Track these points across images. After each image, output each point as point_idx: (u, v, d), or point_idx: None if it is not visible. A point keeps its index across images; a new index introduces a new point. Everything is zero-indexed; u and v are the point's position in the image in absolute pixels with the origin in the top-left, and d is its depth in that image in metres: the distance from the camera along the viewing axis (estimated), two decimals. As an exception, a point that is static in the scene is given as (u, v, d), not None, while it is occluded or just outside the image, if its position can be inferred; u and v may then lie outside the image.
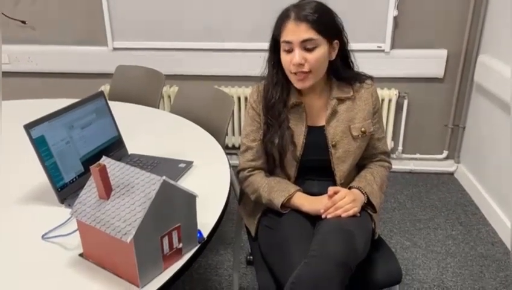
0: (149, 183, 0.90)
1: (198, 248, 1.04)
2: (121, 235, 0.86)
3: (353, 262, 1.17)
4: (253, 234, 1.47)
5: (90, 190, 0.95)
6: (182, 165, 1.40)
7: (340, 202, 1.28)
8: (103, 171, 0.89)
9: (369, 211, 1.36)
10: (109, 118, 1.43)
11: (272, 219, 1.39)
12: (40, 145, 1.17)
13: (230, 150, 2.90)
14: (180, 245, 0.98)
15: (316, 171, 1.41)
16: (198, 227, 1.04)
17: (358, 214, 1.30)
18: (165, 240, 0.94)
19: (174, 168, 1.38)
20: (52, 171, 1.20)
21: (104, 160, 0.98)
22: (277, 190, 1.36)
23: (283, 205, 1.35)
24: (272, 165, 1.43)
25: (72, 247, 1.03)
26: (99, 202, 0.92)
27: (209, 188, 1.29)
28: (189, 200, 0.98)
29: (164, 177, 0.89)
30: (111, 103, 1.45)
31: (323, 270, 1.11)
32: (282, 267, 1.24)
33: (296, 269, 1.15)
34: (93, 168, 0.89)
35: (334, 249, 1.15)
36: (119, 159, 1.42)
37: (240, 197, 1.61)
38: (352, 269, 1.16)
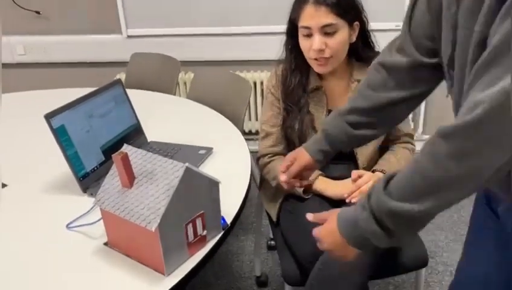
0: (172, 171, 0.89)
1: (222, 235, 1.03)
2: (146, 224, 0.85)
3: None
4: (274, 219, 1.45)
5: (113, 179, 0.94)
6: (202, 151, 1.39)
7: (364, 186, 1.25)
8: (125, 159, 0.88)
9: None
10: (128, 106, 1.42)
11: (294, 204, 1.38)
12: (61, 135, 1.17)
13: (248, 136, 2.88)
14: (205, 232, 0.97)
15: (337, 155, 1.38)
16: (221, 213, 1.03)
17: None
18: (190, 228, 0.93)
19: (194, 154, 1.37)
20: (74, 161, 1.19)
21: (126, 148, 0.97)
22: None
23: (305, 190, 1.33)
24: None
25: (96, 236, 1.03)
26: (122, 191, 0.92)
27: (230, 174, 1.27)
28: (212, 186, 0.97)
29: (187, 164, 0.88)
30: (128, 91, 1.43)
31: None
32: (306, 252, 1.23)
33: (321, 254, 1.13)
34: (116, 156, 0.88)
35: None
36: (139, 147, 1.42)
37: (260, 183, 1.59)
38: (378, 254, 1.14)
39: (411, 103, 0.99)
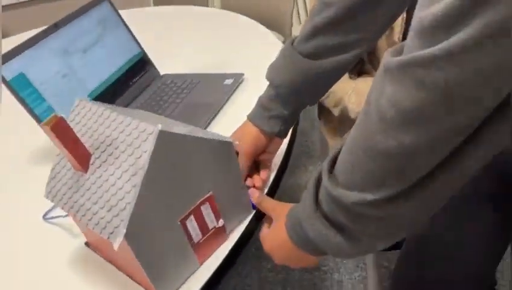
0: (139, 141, 0.51)
1: (257, 216, 0.67)
2: (108, 235, 0.51)
3: None
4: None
5: (63, 158, 0.60)
6: (229, 81, 0.99)
7: None
8: (61, 129, 0.52)
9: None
10: (123, 31, 1.04)
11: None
12: (21, 87, 0.83)
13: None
14: (221, 222, 0.61)
15: None
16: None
17: None
18: (191, 223, 0.57)
19: (217, 87, 0.98)
20: (49, 121, 0.86)
21: (78, 104, 0.61)
22: None
23: None
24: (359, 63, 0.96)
25: (77, 231, 0.71)
26: (76, 177, 0.57)
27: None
28: (219, 151, 0.58)
29: (160, 127, 0.50)
30: (132, 11, 1.04)
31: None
32: None
33: None
34: (44, 126, 0.52)
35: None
36: (148, 85, 1.05)
37: (319, 109, 1.18)
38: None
39: None
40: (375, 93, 0.40)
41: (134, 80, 1.03)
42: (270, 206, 0.64)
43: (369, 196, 0.43)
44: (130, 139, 0.52)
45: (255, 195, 0.65)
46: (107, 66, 0.98)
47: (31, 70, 0.85)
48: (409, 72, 0.35)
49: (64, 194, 0.58)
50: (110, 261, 0.64)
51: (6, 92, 0.82)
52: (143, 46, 1.07)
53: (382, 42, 0.94)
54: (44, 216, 0.77)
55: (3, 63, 0.80)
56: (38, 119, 0.84)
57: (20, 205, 0.83)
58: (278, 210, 0.62)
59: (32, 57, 0.85)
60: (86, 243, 0.69)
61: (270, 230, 0.63)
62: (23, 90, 0.83)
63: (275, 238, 0.61)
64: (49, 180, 0.60)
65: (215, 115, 0.91)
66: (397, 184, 0.42)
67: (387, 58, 0.38)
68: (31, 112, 0.84)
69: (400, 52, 0.38)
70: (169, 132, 0.51)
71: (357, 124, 0.43)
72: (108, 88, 0.98)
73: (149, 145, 0.50)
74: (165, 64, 1.11)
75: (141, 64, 1.06)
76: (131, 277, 0.61)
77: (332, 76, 0.68)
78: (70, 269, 0.66)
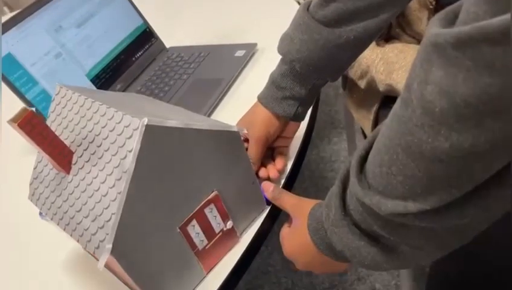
0: (122, 137, 0.42)
1: (273, 211, 0.58)
2: (93, 249, 0.43)
3: None
4: (368, 134, 0.95)
5: (43, 157, 0.52)
6: (240, 52, 0.88)
7: None
8: (32, 126, 0.43)
9: None
10: (123, 0, 0.94)
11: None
12: (10, 70, 0.75)
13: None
14: (229, 224, 0.53)
15: None
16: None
17: None
18: (193, 229, 0.49)
19: (227, 60, 0.88)
20: (43, 106, 0.78)
21: (60, 89, 0.52)
22: (402, 66, 0.79)
23: None
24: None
25: (74, 230, 0.64)
26: (59, 178, 0.49)
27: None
28: (224, 143, 0.49)
29: (145, 121, 0.41)
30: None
31: None
32: None
33: None
34: (11, 123, 0.43)
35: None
36: (152, 60, 0.96)
37: (342, 80, 1.06)
38: None
39: None
40: (417, 77, 0.29)
41: (137, 55, 0.94)
42: (288, 202, 0.55)
43: (412, 206, 0.33)
44: (113, 135, 0.43)
45: (269, 189, 0.56)
46: (105, 41, 0.89)
47: (20, 50, 0.76)
48: (471, 50, 0.24)
49: (47, 198, 0.50)
50: (107, 267, 0.57)
51: (-7, 76, 0.74)
52: (145, 16, 0.97)
53: (412, 1, 0.81)
54: (40, 214, 0.70)
55: (-14, 44, 0.72)
56: (31, 105, 0.77)
57: (18, 202, 0.76)
58: (298, 208, 0.53)
59: (20, 35, 0.77)
60: (83, 245, 0.62)
61: (289, 231, 0.54)
62: (12, 73, 0.75)
63: (295, 241, 0.52)
64: (32, 181, 0.53)
65: (226, 92, 0.81)
66: (449, 193, 0.32)
67: (434, 29, 0.27)
68: (22, 97, 0.76)
69: (452, 21, 0.27)
70: (158, 125, 0.42)
71: (394, 115, 0.33)
72: (108, 66, 0.89)
73: (134, 143, 0.41)
74: (170, 36, 1.01)
75: (144, 38, 0.96)
76: (128, 286, 0.54)
77: (357, 46, 0.57)
78: (66, 270, 0.60)
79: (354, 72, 0.89)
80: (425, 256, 0.39)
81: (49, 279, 0.60)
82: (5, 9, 2.56)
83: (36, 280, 0.61)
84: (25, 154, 0.86)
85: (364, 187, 0.37)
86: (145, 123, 0.41)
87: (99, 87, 0.86)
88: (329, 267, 0.51)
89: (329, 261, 0.48)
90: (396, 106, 0.33)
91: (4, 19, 0.77)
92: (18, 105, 0.71)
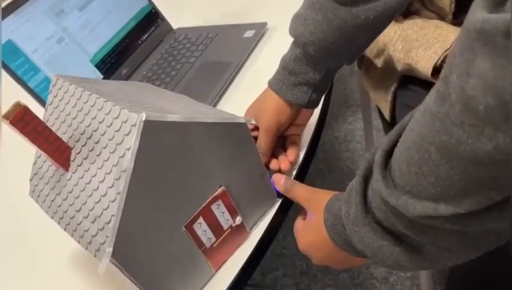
0: (120, 134, 0.40)
1: (284, 204, 0.55)
2: (94, 251, 0.41)
3: None
4: (387, 116, 0.91)
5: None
6: (250, 33, 0.84)
7: None
8: (25, 122, 0.41)
9: None
10: (126, -19, 0.90)
11: (418, 95, 0.80)
12: (11, 57, 0.72)
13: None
14: (238, 219, 0.50)
15: None
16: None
17: None
18: (200, 226, 0.46)
19: (236, 42, 0.84)
20: (46, 94, 0.76)
21: (58, 79, 0.49)
22: (422, 44, 0.74)
23: (436, 70, 0.74)
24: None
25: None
26: (58, 175, 0.46)
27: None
28: (231, 136, 0.46)
29: (143, 116, 0.38)
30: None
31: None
32: None
33: None
34: (3, 119, 0.41)
35: None
36: (159, 42, 0.92)
37: (358, 59, 1.01)
38: None
39: None
40: (457, 68, 0.25)
41: (143, 38, 0.91)
42: (302, 195, 0.51)
43: (443, 209, 0.30)
44: (111, 131, 0.40)
45: (280, 182, 0.53)
46: (109, 24, 0.85)
47: (20, 37, 0.74)
48: None
49: (47, 195, 0.48)
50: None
51: None
52: (151, -3, 0.93)
53: None
54: (42, 207, 0.68)
55: (-16, 31, 0.69)
56: (34, 93, 0.74)
57: (23, 197, 0.75)
58: (313, 201, 0.49)
59: (20, 20, 0.74)
60: (90, 240, 0.60)
61: (304, 225, 0.51)
62: (13, 61, 0.72)
63: (311, 236, 0.49)
64: (32, 176, 0.50)
65: (234, 76, 0.78)
66: (487, 196, 0.28)
67: (480, 13, 0.23)
68: (24, 85, 0.74)
69: (501, 4, 0.23)
70: (158, 120, 0.39)
71: (427, 110, 0.29)
72: (113, 50, 0.85)
73: (132, 141, 0.38)
74: (177, 16, 0.97)
75: (150, 19, 0.93)
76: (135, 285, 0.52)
77: (376, 26, 0.52)
78: (72, 267, 0.58)
79: (370, 50, 0.84)
80: (454, 258, 0.36)
81: (54, 276, 0.59)
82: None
83: (41, 277, 0.59)
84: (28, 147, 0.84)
85: (389, 186, 0.34)
86: (144, 119, 0.38)
87: (104, 73, 0.83)
88: (346, 263, 0.48)
89: (347, 257, 0.46)
90: (428, 99, 0.29)
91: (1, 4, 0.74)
92: (23, 95, 0.68)
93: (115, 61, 0.85)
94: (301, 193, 0.52)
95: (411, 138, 0.31)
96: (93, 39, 0.83)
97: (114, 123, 0.40)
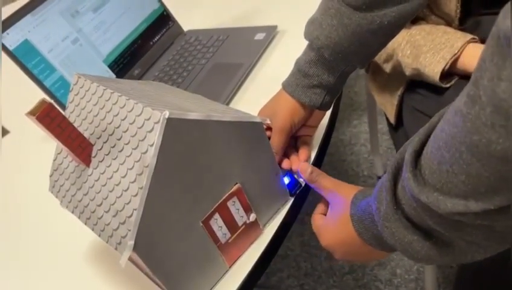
0: (143, 130, 0.41)
1: (296, 202, 0.57)
2: (115, 244, 0.42)
3: None
4: (392, 120, 0.92)
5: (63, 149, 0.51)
6: (260, 35, 0.86)
7: None
8: (50, 118, 0.42)
9: None
10: (139, -17, 0.91)
11: (425, 98, 0.82)
12: (28, 57, 0.74)
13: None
14: (253, 216, 0.51)
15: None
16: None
17: None
18: (216, 222, 0.48)
19: (247, 44, 0.85)
20: (61, 93, 0.77)
21: (80, 77, 0.51)
22: (430, 49, 0.76)
23: (444, 75, 0.75)
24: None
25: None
26: (79, 170, 0.48)
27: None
28: (247, 135, 0.47)
29: (167, 113, 0.39)
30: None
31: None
32: None
33: None
34: (30, 115, 0.42)
35: None
36: (170, 44, 0.94)
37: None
38: None
39: None
40: (488, 73, 0.27)
41: (155, 39, 0.92)
42: (326, 186, 0.52)
43: (474, 205, 0.32)
44: (133, 128, 0.42)
45: (306, 171, 0.54)
46: (122, 26, 0.87)
47: (36, 37, 0.75)
48: None
49: (67, 191, 0.49)
50: (130, 260, 0.57)
51: (10, 63, 0.73)
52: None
53: None
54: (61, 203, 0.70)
55: (4, 30, 0.71)
56: (49, 92, 0.76)
57: (40, 185, 0.76)
58: (337, 194, 0.50)
59: (36, 21, 0.75)
60: (104, 235, 0.61)
61: (327, 221, 0.52)
62: (30, 60, 0.74)
63: (336, 231, 0.50)
64: (52, 172, 0.52)
65: (246, 77, 0.79)
66: None
67: (508, 20, 0.25)
68: (40, 84, 0.75)
69: None
70: (180, 118, 0.40)
71: (458, 111, 0.31)
72: (126, 51, 0.87)
73: (155, 137, 0.39)
74: (188, 18, 0.99)
75: (162, 21, 0.94)
76: (151, 279, 0.53)
77: (390, 31, 0.54)
78: (88, 261, 0.59)
79: (379, 55, 0.85)
80: (482, 251, 0.38)
81: (70, 270, 0.60)
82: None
83: (58, 271, 0.61)
84: (44, 142, 0.86)
85: (420, 183, 0.35)
86: (167, 116, 0.39)
87: (117, 73, 0.85)
88: (371, 256, 0.49)
89: (372, 250, 0.47)
90: (458, 102, 0.30)
91: (14, 5, 0.76)
92: (39, 95, 0.70)
93: (127, 62, 0.87)
94: (326, 184, 0.53)
95: (442, 138, 0.33)
96: (106, 40, 0.84)
97: (137, 120, 0.42)
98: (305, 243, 1.40)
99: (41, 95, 0.78)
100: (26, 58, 0.73)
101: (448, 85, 0.76)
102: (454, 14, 0.77)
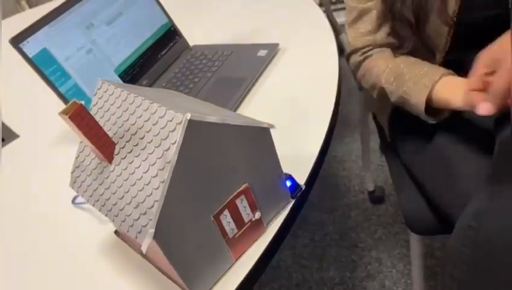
0: (165, 130, 0.46)
1: (296, 204, 0.62)
2: (135, 233, 0.47)
3: None
4: (386, 130, 0.98)
5: (86, 147, 0.55)
6: (263, 52, 0.91)
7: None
8: (81, 117, 0.47)
9: None
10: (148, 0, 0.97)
11: (413, 117, 0.87)
12: (45, 64, 0.79)
13: (337, 5, 2.24)
14: (258, 215, 0.56)
15: (483, 37, 0.75)
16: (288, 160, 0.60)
17: None
18: (225, 218, 0.52)
19: (250, 60, 0.91)
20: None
21: (102, 85, 0.55)
22: (412, 78, 0.79)
23: (429, 105, 0.79)
24: (405, 38, 0.85)
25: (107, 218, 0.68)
26: (101, 167, 0.52)
27: (308, 82, 0.81)
28: (256, 139, 0.52)
29: (189, 115, 0.44)
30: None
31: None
32: (441, 188, 0.78)
33: (469, 192, 0.68)
34: (63, 115, 0.47)
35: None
36: (177, 57, 0.99)
37: (358, 84, 1.09)
38: None
39: None
40: None
41: (163, 52, 0.98)
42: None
43: None
44: (156, 128, 0.47)
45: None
46: (132, 38, 0.92)
47: (54, 46, 0.80)
48: None
49: (89, 186, 0.53)
50: (140, 254, 0.61)
51: (20, 71, 0.78)
52: (171, 15, 1.01)
53: (433, 16, 0.82)
54: (73, 201, 0.74)
55: (24, 39, 0.76)
56: (64, 98, 0.80)
57: (49, 188, 0.80)
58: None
59: (54, 31, 0.80)
60: (116, 232, 0.65)
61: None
62: (48, 68, 0.79)
63: None
64: (74, 169, 0.56)
65: (249, 91, 0.84)
66: None
67: None
68: (56, 90, 0.80)
69: None
70: (199, 120, 0.45)
71: None
72: (135, 62, 0.92)
73: (177, 136, 0.44)
74: (194, 34, 1.05)
75: (169, 36, 1.00)
76: (162, 272, 0.57)
77: None
78: (98, 258, 0.63)
79: (365, 81, 0.90)
80: None
81: (81, 267, 0.63)
82: (24, 3, 2.61)
83: (68, 268, 0.64)
84: (52, 146, 0.90)
85: None
86: (188, 118, 0.44)
87: (126, 82, 0.90)
88: None
89: None
90: None
91: (24, 14, 0.81)
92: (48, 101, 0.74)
93: (136, 73, 0.92)
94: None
95: None
96: (118, 51, 0.89)
97: (159, 121, 0.47)
98: (297, 255, 1.44)
99: (49, 101, 0.83)
100: (44, 66, 0.78)
101: (434, 122, 0.78)
102: (442, 49, 0.82)
